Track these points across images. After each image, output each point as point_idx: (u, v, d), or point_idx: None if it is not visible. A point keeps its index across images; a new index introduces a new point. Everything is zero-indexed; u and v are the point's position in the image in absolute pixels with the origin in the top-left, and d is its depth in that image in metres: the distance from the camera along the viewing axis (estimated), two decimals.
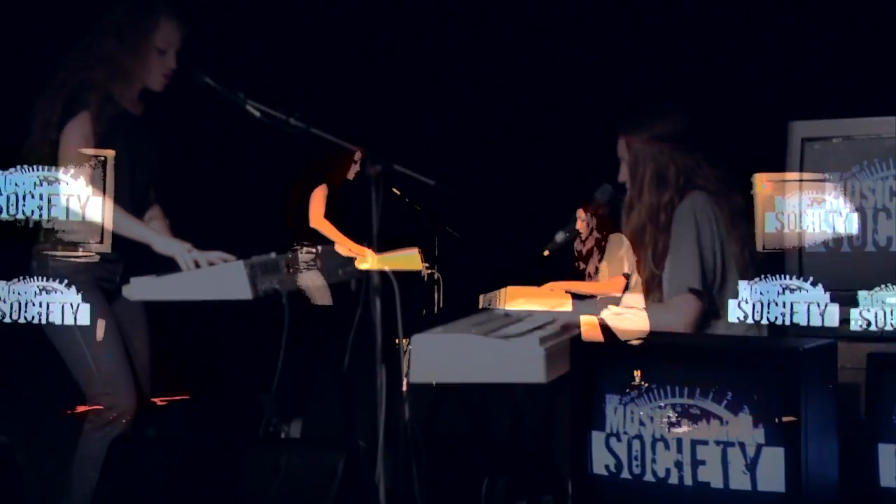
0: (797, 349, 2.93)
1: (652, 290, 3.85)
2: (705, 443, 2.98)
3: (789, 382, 2.88)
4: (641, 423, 3.06)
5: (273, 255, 3.92)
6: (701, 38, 6.81)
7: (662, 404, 3.03)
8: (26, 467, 3.45)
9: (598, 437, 3.13)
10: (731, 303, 3.32)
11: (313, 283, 7.13)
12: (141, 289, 3.82)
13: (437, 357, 3.45)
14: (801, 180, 3.42)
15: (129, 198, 3.94)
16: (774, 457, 2.89)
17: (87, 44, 3.93)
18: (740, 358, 3.05)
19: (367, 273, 3.70)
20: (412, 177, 3.98)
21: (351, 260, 4.10)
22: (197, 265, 3.83)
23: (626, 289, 6.93)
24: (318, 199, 7.02)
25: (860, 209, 3.46)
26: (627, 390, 3.08)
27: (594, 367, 3.16)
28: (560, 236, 4.98)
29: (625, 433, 3.09)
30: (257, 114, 3.81)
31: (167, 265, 3.86)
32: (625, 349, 3.14)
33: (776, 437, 2.89)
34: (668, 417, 3.02)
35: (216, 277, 3.75)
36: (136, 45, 3.92)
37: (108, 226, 3.42)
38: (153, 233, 3.93)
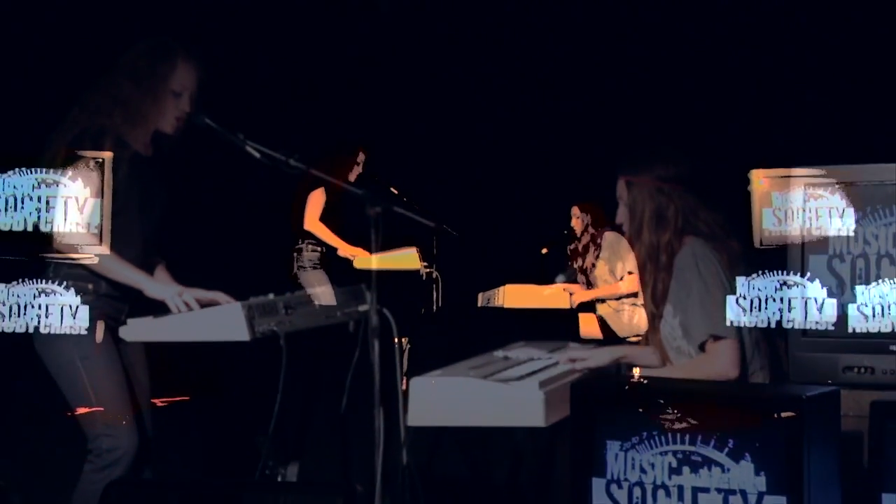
0: (800, 396, 2.91)
1: (653, 329, 3.83)
2: (706, 490, 2.95)
3: (792, 430, 2.85)
4: (642, 470, 3.03)
5: (271, 296, 3.89)
6: (700, 80, 6.84)
7: (664, 451, 3.00)
8: None
9: (598, 484, 3.09)
10: (730, 299, 3.30)
11: (318, 282, 7.18)
12: (138, 330, 3.80)
13: (435, 400, 3.43)
14: (798, 176, 3.41)
15: (139, 240, 3.92)
16: None
17: (103, 85, 3.90)
18: (742, 405, 3.02)
19: (365, 314, 3.67)
20: (413, 218, 3.97)
21: (351, 301, 4.08)
22: (189, 308, 3.81)
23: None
24: (314, 202, 7.06)
25: (863, 255, 3.45)
26: (628, 437, 3.05)
27: (594, 413, 3.12)
28: (560, 279, 4.99)
29: (625, 480, 3.06)
30: (257, 155, 3.79)
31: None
32: (625, 395, 3.11)
33: (778, 485, 2.86)
34: (670, 464, 2.99)
35: (213, 319, 3.73)
36: (153, 88, 3.89)
37: (107, 228, 3.38)
38: (144, 276, 3.89)
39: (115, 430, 3.75)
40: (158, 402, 4.06)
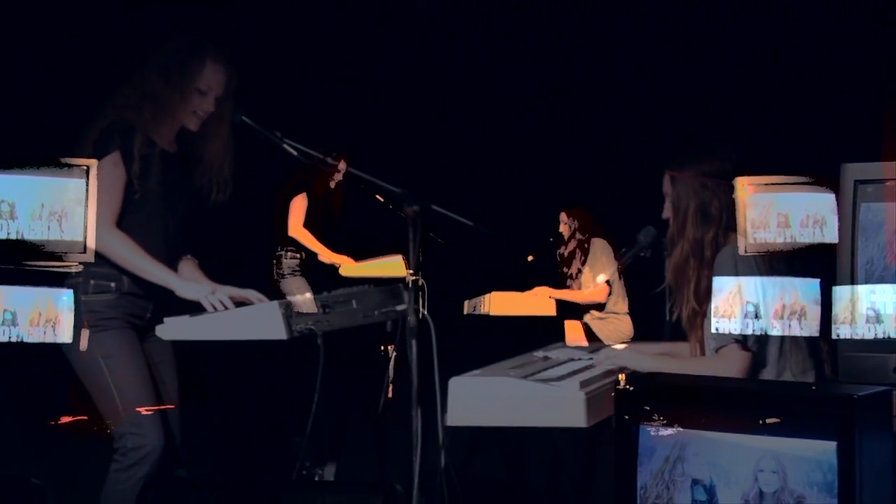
0: (851, 396, 2.85)
1: (693, 327, 3.76)
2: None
3: (843, 431, 2.79)
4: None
5: (308, 295, 3.87)
6: (742, 73, 6.76)
7: None
8: None
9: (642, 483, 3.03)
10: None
11: (298, 289, 7.13)
12: (174, 329, 3.79)
13: (475, 400, 3.39)
14: (784, 183, 3.37)
15: (164, 237, 3.92)
16: None
17: (134, 80, 3.91)
18: (792, 405, 2.96)
19: (403, 314, 3.65)
20: (448, 215, 3.94)
21: (389, 301, 4.05)
22: (225, 307, 3.78)
23: (610, 295, 6.96)
24: (297, 209, 7.06)
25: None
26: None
27: (640, 413, 3.07)
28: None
29: (672, 482, 3.00)
30: (294, 153, 3.80)
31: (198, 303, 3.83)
32: (674, 394, 3.04)
33: (829, 486, 2.80)
34: None
35: (250, 318, 3.71)
36: (181, 84, 3.89)
37: (91, 235, 3.31)
38: (175, 277, 3.87)
39: (139, 428, 3.73)
40: (144, 410, 4.02)
